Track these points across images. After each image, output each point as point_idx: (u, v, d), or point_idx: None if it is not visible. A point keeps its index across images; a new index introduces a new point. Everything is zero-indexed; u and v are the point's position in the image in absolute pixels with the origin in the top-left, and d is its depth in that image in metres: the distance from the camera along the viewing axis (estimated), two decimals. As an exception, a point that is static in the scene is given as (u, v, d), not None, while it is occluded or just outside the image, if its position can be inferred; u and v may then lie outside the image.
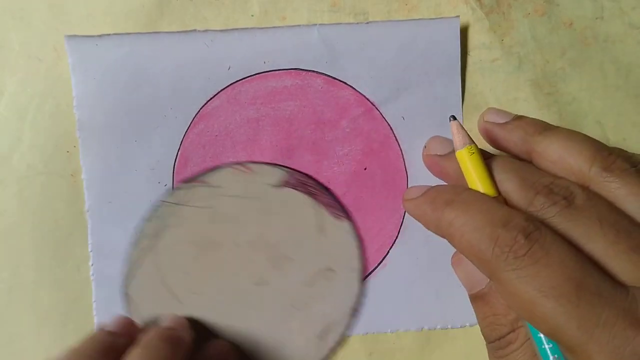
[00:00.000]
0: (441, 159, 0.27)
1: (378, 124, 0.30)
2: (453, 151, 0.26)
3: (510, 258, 0.20)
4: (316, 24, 0.30)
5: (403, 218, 0.30)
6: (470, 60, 0.30)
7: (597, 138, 0.29)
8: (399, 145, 0.30)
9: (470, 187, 0.24)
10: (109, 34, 0.28)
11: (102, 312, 0.29)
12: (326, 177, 0.29)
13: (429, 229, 0.25)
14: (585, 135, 0.24)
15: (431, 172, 0.29)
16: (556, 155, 0.23)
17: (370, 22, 0.30)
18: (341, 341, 0.29)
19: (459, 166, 0.25)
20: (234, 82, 0.29)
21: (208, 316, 0.29)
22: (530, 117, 0.26)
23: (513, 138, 0.26)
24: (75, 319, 0.29)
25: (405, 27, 0.29)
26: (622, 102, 0.29)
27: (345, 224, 0.29)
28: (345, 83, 0.30)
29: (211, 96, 0.29)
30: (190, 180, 0.29)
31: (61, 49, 0.29)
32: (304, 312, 0.29)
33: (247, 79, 0.29)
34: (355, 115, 0.30)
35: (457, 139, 0.25)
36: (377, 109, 0.30)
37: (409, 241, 0.30)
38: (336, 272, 0.29)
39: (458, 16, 0.29)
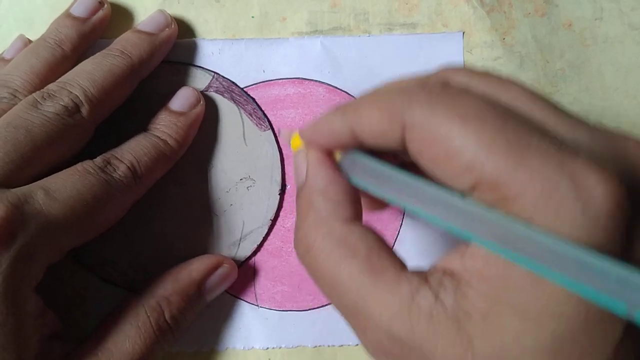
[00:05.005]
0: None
1: (378, 134, 0.29)
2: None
3: (424, 93, 0.18)
4: (319, 36, 0.30)
5: (398, 232, 0.29)
6: (472, 58, 0.29)
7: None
8: None
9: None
10: (109, 38, 0.28)
11: None
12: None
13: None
14: None
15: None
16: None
17: (372, 35, 0.30)
18: (256, 251, 0.29)
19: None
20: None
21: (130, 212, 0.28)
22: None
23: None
24: None
25: (408, 41, 0.29)
26: (621, 103, 0.29)
27: (268, 134, 0.29)
28: (347, 93, 0.29)
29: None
30: None
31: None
32: (223, 218, 0.29)
33: (251, 87, 0.30)
34: (356, 124, 0.29)
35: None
36: (377, 119, 0.29)
37: (404, 255, 0.29)
38: (256, 182, 0.29)
39: (462, 31, 0.29)
